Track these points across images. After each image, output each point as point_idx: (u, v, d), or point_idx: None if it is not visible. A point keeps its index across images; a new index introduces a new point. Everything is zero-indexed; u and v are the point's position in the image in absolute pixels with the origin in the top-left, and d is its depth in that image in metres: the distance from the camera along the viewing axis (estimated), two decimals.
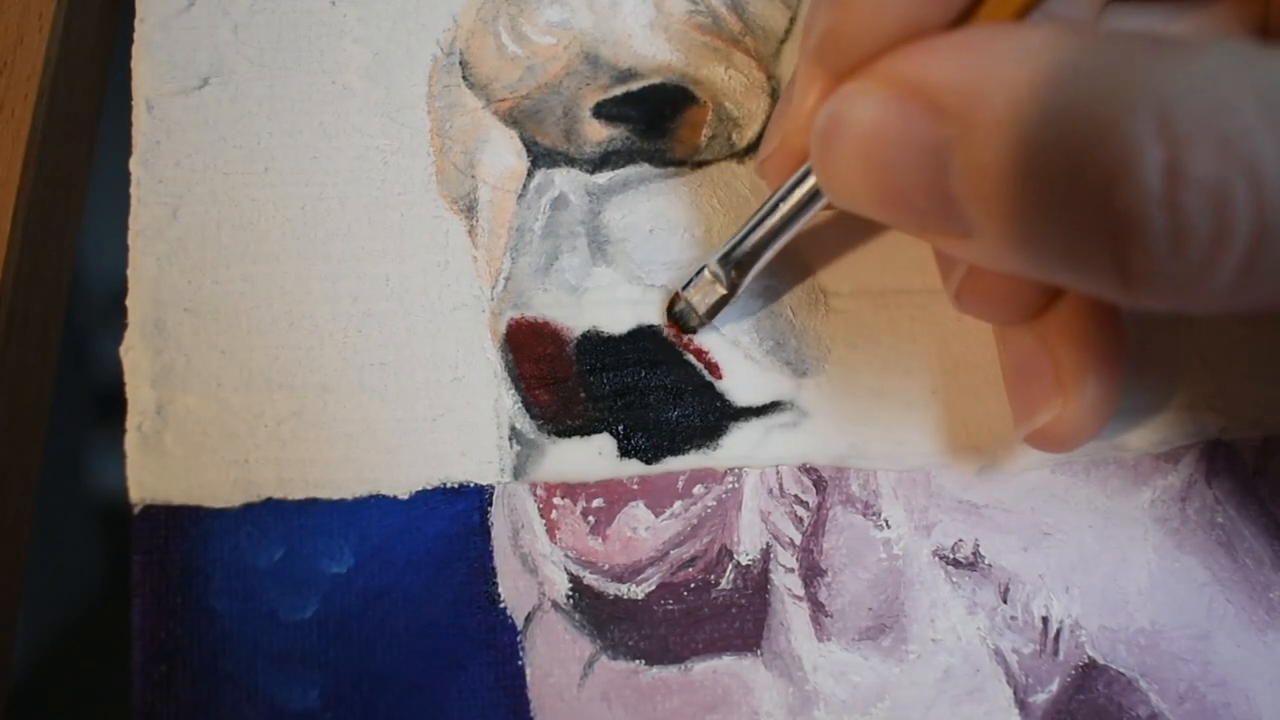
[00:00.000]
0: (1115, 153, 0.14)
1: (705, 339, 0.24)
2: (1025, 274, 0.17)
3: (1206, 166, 0.14)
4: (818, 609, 0.22)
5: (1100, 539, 0.23)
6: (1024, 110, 0.15)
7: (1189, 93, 0.14)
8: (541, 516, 0.23)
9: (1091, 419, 0.21)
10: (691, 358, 0.24)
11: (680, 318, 0.24)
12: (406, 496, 0.22)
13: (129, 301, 0.23)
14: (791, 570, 0.23)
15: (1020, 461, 0.24)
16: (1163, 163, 0.14)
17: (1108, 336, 0.21)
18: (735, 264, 0.23)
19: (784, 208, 0.22)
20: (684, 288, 0.23)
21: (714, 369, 0.24)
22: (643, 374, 0.23)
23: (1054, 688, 0.22)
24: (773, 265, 0.23)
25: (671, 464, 0.23)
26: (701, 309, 0.23)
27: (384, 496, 0.22)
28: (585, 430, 0.23)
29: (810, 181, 0.21)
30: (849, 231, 0.25)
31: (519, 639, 0.22)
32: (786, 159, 0.22)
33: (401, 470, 0.22)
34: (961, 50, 0.17)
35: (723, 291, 0.23)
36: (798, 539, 0.23)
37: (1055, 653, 0.23)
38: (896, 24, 0.18)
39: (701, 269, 0.23)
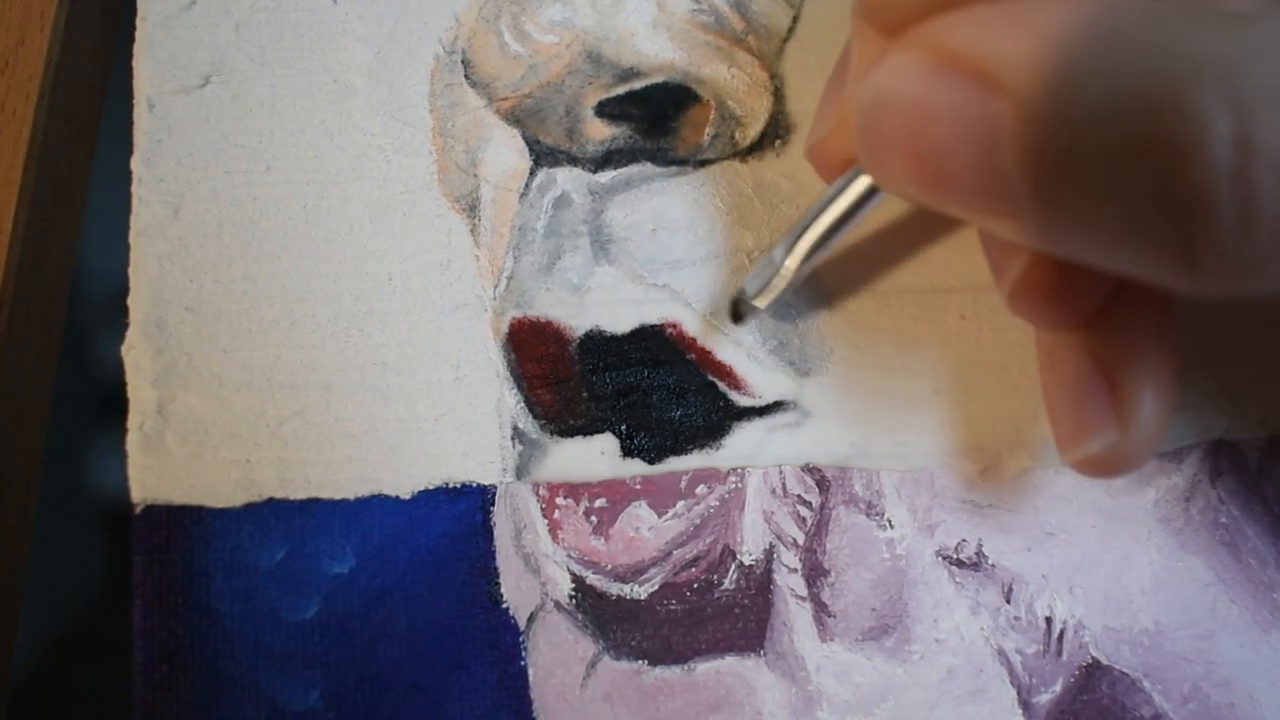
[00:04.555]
0: (1182, 124, 0.14)
1: (708, 339, 0.24)
2: (1078, 258, 0.16)
3: (1277, 138, 0.13)
4: (821, 609, 0.22)
5: (1104, 539, 0.23)
6: (1084, 84, 0.15)
7: (1255, 61, 0.14)
8: (544, 516, 0.23)
9: (1146, 448, 0.20)
10: (695, 358, 0.24)
11: (735, 307, 0.23)
12: (408, 496, 0.22)
13: (130, 301, 0.23)
14: (794, 570, 0.23)
15: (1023, 461, 0.23)
16: (1232, 133, 0.13)
17: (1165, 358, 0.20)
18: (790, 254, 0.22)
19: (842, 204, 0.21)
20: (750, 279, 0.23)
21: (722, 370, 0.24)
22: (645, 374, 0.23)
23: (1058, 688, 0.22)
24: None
25: (674, 464, 0.23)
26: (757, 298, 0.23)
27: (386, 496, 0.22)
28: (588, 430, 0.23)
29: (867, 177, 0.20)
30: (852, 231, 0.25)
31: (521, 639, 0.22)
32: (846, 144, 0.21)
33: (403, 470, 0.22)
34: (1015, 20, 0.16)
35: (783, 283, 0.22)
36: (801, 539, 0.23)
37: (1059, 653, 0.22)
38: None
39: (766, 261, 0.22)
